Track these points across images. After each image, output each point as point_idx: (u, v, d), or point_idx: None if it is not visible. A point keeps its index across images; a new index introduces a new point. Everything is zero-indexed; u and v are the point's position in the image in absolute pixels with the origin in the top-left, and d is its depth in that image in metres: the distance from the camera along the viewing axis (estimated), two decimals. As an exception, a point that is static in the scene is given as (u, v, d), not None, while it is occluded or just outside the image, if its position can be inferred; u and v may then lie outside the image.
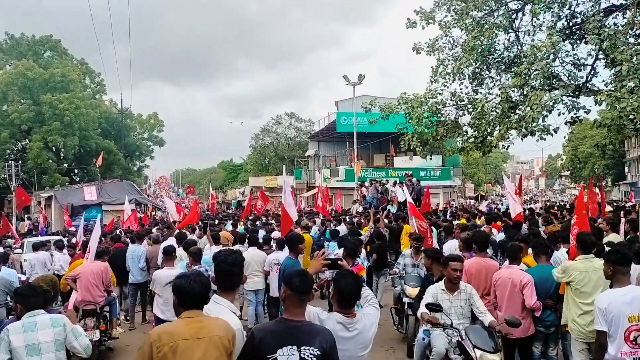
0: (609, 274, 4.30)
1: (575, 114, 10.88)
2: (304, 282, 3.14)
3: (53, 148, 40.16)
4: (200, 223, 14.06)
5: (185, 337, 3.02)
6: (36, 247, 11.79)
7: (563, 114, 10.81)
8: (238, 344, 3.12)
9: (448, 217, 15.53)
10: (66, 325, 4.12)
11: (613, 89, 9.81)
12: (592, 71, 11.30)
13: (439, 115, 12.46)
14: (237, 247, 9.43)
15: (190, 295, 3.15)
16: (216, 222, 17.39)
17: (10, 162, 35.22)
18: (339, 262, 3.79)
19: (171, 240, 9.82)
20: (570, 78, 11.23)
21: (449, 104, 12.44)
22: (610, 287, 4.36)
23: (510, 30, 11.83)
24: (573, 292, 5.24)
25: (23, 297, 4.15)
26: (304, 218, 14.63)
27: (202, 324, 3.10)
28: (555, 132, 10.39)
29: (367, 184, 23.74)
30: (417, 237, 8.50)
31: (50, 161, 38.56)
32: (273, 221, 15.24)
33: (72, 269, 8.35)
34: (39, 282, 4.78)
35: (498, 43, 12.10)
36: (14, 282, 7.32)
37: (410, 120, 12.36)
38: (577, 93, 10.89)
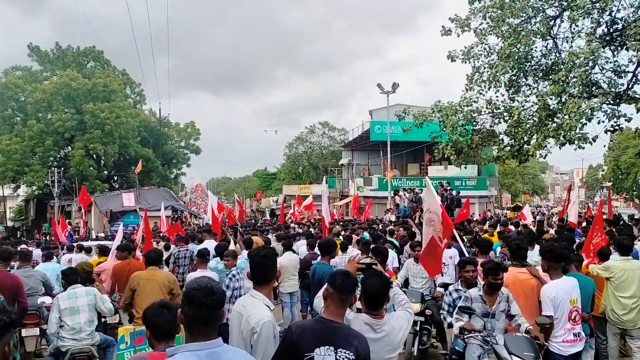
0: (545, 268, 5.13)
1: (615, 122, 10.61)
2: (346, 281, 3.14)
3: (94, 155, 41.31)
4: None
5: (144, 278, 6.20)
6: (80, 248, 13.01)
7: (603, 122, 10.57)
8: (265, 335, 3.13)
9: (487, 227, 15.21)
10: (96, 295, 5.96)
11: (656, 96, 9.56)
12: (634, 78, 11.00)
13: (474, 123, 12.32)
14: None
15: (151, 259, 6.49)
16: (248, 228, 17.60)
17: (53, 168, 36.39)
18: (374, 266, 3.77)
19: (207, 244, 10.04)
20: (610, 85, 10.98)
21: (485, 112, 12.28)
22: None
23: (547, 37, 11.62)
24: (613, 287, 6.17)
25: (66, 276, 6.05)
26: (337, 226, 14.66)
27: (154, 272, 6.32)
28: (594, 140, 10.15)
29: (401, 193, 23.60)
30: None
31: (91, 168, 39.60)
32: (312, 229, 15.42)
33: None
34: (82, 266, 6.81)
35: (535, 50, 11.91)
36: (46, 274, 7.93)
37: (444, 129, 12.26)
38: (617, 101, 10.63)
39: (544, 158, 13.62)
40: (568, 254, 5.61)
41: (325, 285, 3.23)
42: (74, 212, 34.92)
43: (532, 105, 11.55)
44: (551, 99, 10.72)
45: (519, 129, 11.31)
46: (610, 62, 11.33)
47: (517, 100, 12.14)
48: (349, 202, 31.41)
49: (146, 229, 11.38)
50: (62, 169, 37.53)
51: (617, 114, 10.48)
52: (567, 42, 11.50)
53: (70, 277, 5.97)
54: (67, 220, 28.27)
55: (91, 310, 5.79)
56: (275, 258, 3.63)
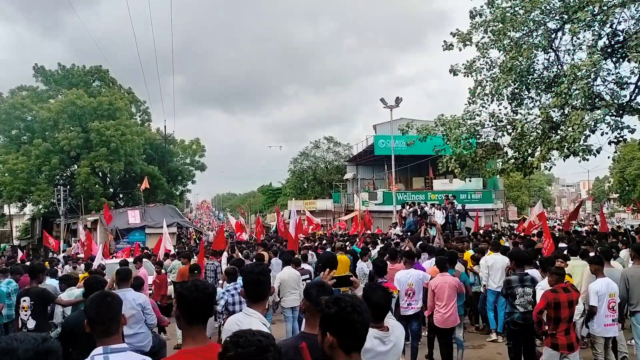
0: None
1: (619, 133, 10.59)
2: (321, 292, 3.12)
3: (100, 173, 41.50)
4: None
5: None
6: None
7: (606, 133, 10.54)
8: None
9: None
10: (79, 295, 7.39)
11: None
12: (636, 89, 11.00)
13: (478, 136, 12.34)
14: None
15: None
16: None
17: (59, 187, 36.52)
18: (350, 278, 3.84)
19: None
20: (613, 97, 10.98)
21: (488, 125, 12.30)
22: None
23: (549, 50, 11.67)
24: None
25: (65, 281, 8.53)
26: (340, 240, 14.65)
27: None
28: (598, 152, 10.15)
29: (408, 208, 23.41)
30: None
31: (97, 186, 39.75)
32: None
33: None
34: (71, 275, 9.00)
35: (537, 63, 11.95)
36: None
37: (448, 142, 12.28)
38: (620, 112, 10.62)
39: (549, 170, 13.56)
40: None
41: (303, 299, 3.24)
42: (80, 231, 34.98)
43: (535, 118, 11.57)
44: (554, 111, 10.75)
45: (523, 141, 11.31)
46: (612, 74, 11.34)
47: (520, 113, 12.16)
48: (353, 216, 31.34)
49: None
50: (68, 187, 37.63)
51: (620, 126, 10.45)
52: (568, 54, 11.55)
53: (69, 282, 8.39)
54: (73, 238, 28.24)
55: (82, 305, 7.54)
56: (268, 273, 3.61)
